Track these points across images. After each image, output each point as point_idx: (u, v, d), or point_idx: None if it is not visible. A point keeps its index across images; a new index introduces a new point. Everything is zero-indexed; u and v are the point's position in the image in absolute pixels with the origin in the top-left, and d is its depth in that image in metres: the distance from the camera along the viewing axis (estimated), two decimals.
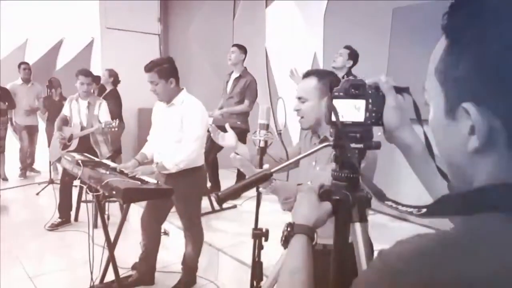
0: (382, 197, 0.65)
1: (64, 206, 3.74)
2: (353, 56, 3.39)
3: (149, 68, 2.33)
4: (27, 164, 5.73)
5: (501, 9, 0.42)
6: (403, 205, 0.57)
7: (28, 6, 6.22)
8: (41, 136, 5.76)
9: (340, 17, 4.28)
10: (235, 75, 4.17)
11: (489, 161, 0.44)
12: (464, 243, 0.41)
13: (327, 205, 0.76)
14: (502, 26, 0.42)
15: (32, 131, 5.69)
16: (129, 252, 2.94)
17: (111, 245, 2.37)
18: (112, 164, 2.55)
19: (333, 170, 0.82)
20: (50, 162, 4.90)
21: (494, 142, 0.42)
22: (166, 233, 3.32)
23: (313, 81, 1.50)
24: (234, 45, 4.17)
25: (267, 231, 1.60)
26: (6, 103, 5.23)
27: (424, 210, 0.52)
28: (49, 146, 5.07)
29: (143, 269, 2.70)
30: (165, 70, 2.32)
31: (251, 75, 4.16)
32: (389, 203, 0.61)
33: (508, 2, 0.43)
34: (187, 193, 2.46)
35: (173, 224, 3.34)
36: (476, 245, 0.40)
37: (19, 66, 5.43)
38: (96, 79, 3.89)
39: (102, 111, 3.70)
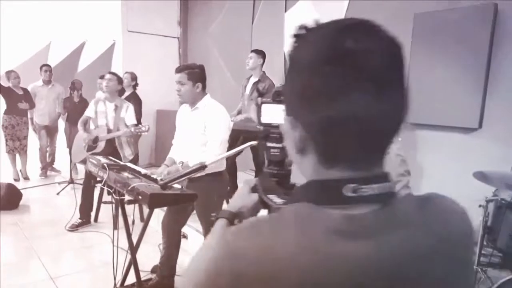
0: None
1: (85, 207, 3.80)
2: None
3: (180, 69, 2.44)
4: (47, 164, 5.84)
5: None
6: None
7: (51, 9, 6.37)
8: (60, 136, 5.88)
9: None
10: (253, 79, 4.18)
11: (309, 162, 0.55)
12: (272, 224, 0.52)
13: (254, 196, 0.82)
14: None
15: (51, 131, 5.80)
16: (149, 255, 2.97)
17: (133, 249, 2.40)
18: (138, 168, 2.58)
19: (264, 167, 0.90)
20: (70, 162, 4.99)
21: (306, 148, 0.53)
22: (184, 236, 3.34)
23: None
24: (252, 51, 4.19)
25: None
26: (27, 104, 5.36)
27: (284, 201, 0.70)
28: (68, 146, 5.17)
29: (163, 272, 2.72)
30: (195, 74, 2.42)
31: (270, 79, 4.16)
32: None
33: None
34: (209, 197, 2.48)
35: (191, 228, 3.35)
36: (279, 226, 0.50)
37: (40, 68, 5.56)
38: (120, 80, 3.95)
39: (129, 114, 3.75)
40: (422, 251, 0.50)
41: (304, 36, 0.54)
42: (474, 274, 0.50)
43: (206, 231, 2.67)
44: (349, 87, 0.47)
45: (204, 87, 2.47)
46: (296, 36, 0.54)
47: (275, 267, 0.47)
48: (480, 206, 2.53)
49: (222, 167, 2.56)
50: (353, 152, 0.51)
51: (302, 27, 0.54)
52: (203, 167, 1.08)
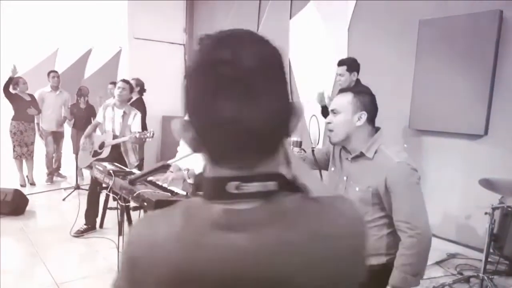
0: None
1: (91, 213, 3.82)
2: (353, 67, 3.30)
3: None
4: (53, 169, 5.89)
5: None
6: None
7: (59, 16, 6.46)
8: (67, 142, 5.93)
9: (364, 29, 4.26)
10: None
11: (205, 161, 0.60)
12: (164, 215, 0.60)
13: None
14: None
15: (58, 136, 5.85)
16: None
17: None
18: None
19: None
20: (76, 168, 5.02)
21: (199, 148, 0.59)
22: None
23: (349, 96, 1.51)
24: None
25: None
26: (34, 109, 5.42)
27: None
28: (74, 152, 5.21)
29: None
30: None
31: None
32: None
33: None
34: None
35: None
36: (169, 218, 0.58)
37: (48, 74, 5.62)
38: (132, 88, 4.00)
39: (136, 122, 3.79)
40: (293, 247, 0.54)
41: (198, 44, 0.57)
42: (361, 277, 0.50)
43: None
44: (222, 92, 0.52)
45: None
46: (197, 43, 0.57)
47: (160, 255, 0.55)
48: (486, 213, 2.52)
49: None
50: (233, 153, 0.55)
51: (202, 35, 0.57)
52: (165, 166, 1.19)
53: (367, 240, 0.61)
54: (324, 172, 1.70)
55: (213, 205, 0.55)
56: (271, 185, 0.56)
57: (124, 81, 3.88)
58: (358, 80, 3.34)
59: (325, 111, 3.40)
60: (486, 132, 3.32)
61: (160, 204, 1.97)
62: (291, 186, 0.59)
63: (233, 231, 0.53)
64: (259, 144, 0.55)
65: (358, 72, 3.34)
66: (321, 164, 1.72)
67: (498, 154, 3.27)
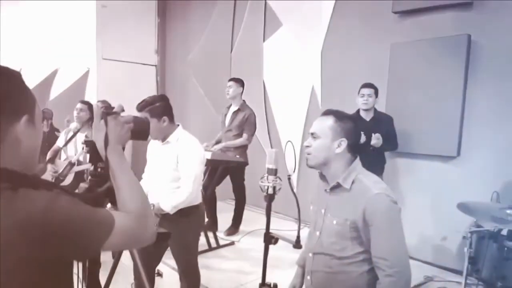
0: None
1: None
2: (377, 93, 3.41)
3: (141, 107, 2.26)
4: None
5: None
6: None
7: (22, 34, 6.20)
8: None
9: (338, 51, 4.31)
10: (233, 108, 4.12)
11: None
12: None
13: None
14: None
15: None
16: None
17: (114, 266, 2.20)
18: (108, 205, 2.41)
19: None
20: None
21: None
22: (159, 274, 3.14)
23: (330, 121, 1.44)
24: (230, 80, 4.14)
25: (275, 286, 1.47)
26: None
27: None
28: None
29: None
30: (157, 109, 2.24)
31: (250, 109, 4.11)
32: None
33: None
34: (183, 233, 2.32)
35: (167, 265, 3.16)
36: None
37: None
38: (90, 108, 3.81)
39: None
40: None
41: None
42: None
43: (183, 270, 2.49)
44: None
45: (171, 119, 2.30)
46: None
47: None
48: (464, 237, 2.49)
49: (198, 200, 2.42)
50: None
51: None
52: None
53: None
54: (302, 203, 1.60)
55: None
56: None
57: (83, 102, 3.70)
58: (375, 108, 3.41)
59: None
60: (458, 153, 3.36)
61: None
62: (14, 178, 0.72)
63: None
64: None
65: (377, 99, 3.41)
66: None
67: (471, 175, 3.30)
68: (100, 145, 0.97)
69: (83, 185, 1.16)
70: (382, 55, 3.78)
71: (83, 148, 1.14)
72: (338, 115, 1.46)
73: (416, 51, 3.54)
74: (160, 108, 2.25)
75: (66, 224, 0.73)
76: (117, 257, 2.51)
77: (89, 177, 1.06)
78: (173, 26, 6.67)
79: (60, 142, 3.74)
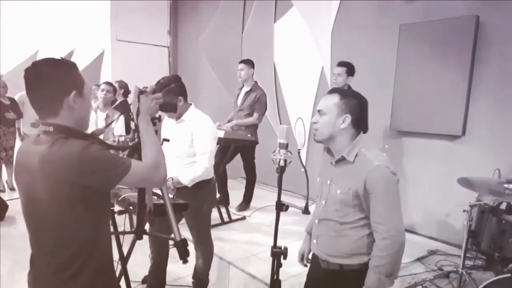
0: None
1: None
2: (351, 71, 3.43)
3: (156, 90, 2.37)
4: None
5: None
6: None
7: (39, 17, 6.33)
8: None
9: (347, 32, 4.35)
10: (245, 89, 4.23)
11: None
12: None
13: None
14: None
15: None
16: (139, 265, 2.95)
17: (124, 259, 2.38)
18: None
19: None
20: None
21: None
22: (175, 246, 3.33)
23: (335, 98, 1.54)
24: (241, 62, 4.21)
25: (285, 249, 1.63)
26: (14, 113, 5.29)
27: None
28: None
29: (153, 282, 2.70)
30: (173, 90, 2.33)
31: (261, 89, 4.21)
32: None
33: None
34: (197, 206, 2.48)
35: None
36: None
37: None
38: (114, 89, 3.96)
39: (119, 124, 3.75)
40: (35, 158, 1.13)
41: None
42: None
43: (197, 240, 2.67)
44: None
45: (185, 98, 2.41)
46: None
47: None
48: (464, 211, 2.61)
49: (210, 174, 2.57)
50: (35, 110, 1.21)
51: None
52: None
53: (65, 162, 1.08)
54: (311, 176, 1.73)
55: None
56: (49, 128, 1.13)
57: (108, 83, 3.85)
58: (349, 86, 3.44)
59: None
60: (464, 133, 3.44)
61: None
62: (66, 131, 1.13)
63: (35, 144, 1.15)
64: (40, 112, 1.17)
65: (352, 78, 3.44)
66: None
67: (475, 153, 3.39)
68: (134, 116, 1.37)
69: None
70: (391, 36, 3.82)
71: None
72: (343, 93, 1.56)
73: (424, 32, 3.58)
74: (175, 88, 2.35)
75: (94, 161, 1.09)
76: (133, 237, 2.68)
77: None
78: (185, 7, 6.72)
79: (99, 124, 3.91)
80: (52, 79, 1.14)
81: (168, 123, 2.59)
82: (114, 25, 6.02)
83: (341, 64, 3.43)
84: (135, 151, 1.50)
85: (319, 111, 1.57)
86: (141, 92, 1.40)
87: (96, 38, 6.16)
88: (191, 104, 2.47)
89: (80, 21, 6.14)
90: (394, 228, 1.43)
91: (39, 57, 6.48)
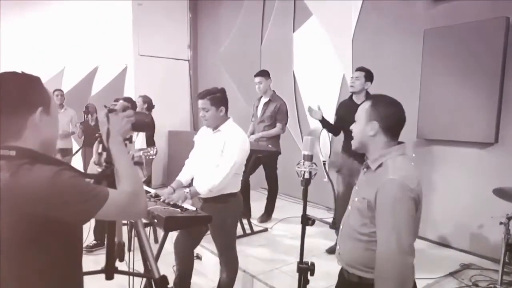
0: None
1: (100, 229, 3.80)
2: (370, 77, 3.35)
3: (202, 95, 2.44)
4: None
5: None
6: None
7: (65, 35, 6.58)
8: (77, 159, 5.95)
9: (369, 39, 4.28)
10: (264, 99, 4.21)
11: None
12: None
13: None
14: None
15: (66, 153, 5.89)
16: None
17: (148, 271, 2.37)
18: (148, 189, 2.59)
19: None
20: None
21: None
22: (198, 257, 3.31)
23: (366, 105, 1.50)
24: (257, 75, 4.19)
25: (312, 265, 1.57)
26: None
27: None
28: (84, 169, 5.22)
29: None
30: (217, 99, 2.43)
31: (280, 99, 4.19)
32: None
33: None
34: (222, 219, 2.46)
35: (205, 248, 3.33)
36: None
37: (53, 92, 5.68)
38: (134, 105, 4.01)
39: (140, 138, 3.79)
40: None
41: None
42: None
43: (221, 253, 2.64)
44: None
45: (226, 111, 2.49)
46: None
47: None
48: (501, 223, 2.47)
49: (237, 188, 2.55)
50: None
51: None
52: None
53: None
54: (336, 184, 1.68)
55: None
56: (11, 152, 0.95)
57: (126, 99, 3.89)
58: (367, 92, 3.36)
59: (325, 124, 3.40)
60: (496, 140, 3.29)
61: (171, 221, 1.96)
62: (29, 155, 0.96)
63: None
64: (1, 133, 0.97)
65: (371, 84, 3.36)
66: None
67: (509, 161, 3.23)
68: (104, 137, 1.18)
69: (95, 168, 1.45)
70: (415, 42, 3.73)
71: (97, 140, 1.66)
72: (376, 99, 1.51)
73: (450, 36, 3.47)
74: (219, 98, 2.45)
75: (66, 191, 0.95)
76: (160, 243, 2.69)
77: (104, 163, 1.31)
78: (205, 20, 6.82)
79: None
80: (13, 95, 0.99)
81: (204, 132, 2.63)
82: (137, 41, 6.17)
83: (359, 68, 3.38)
84: (104, 177, 1.35)
85: (355, 118, 1.54)
86: (110, 110, 1.22)
87: (119, 54, 6.33)
88: (229, 117, 2.52)
89: (103, 38, 6.33)
90: (394, 252, 1.31)
91: (66, 74, 6.75)
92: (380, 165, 1.43)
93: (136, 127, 1.29)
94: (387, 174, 1.37)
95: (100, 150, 1.27)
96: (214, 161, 2.44)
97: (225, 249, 2.62)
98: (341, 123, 3.33)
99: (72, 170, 1.02)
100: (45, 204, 0.93)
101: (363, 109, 1.49)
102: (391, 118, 1.46)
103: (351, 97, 3.42)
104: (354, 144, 1.52)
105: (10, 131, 0.99)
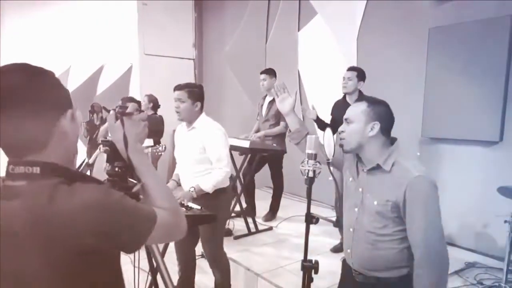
0: None
1: None
2: (362, 76, 3.34)
3: (180, 87, 2.47)
4: None
5: None
6: None
7: (71, 34, 6.62)
8: (81, 157, 6.00)
9: (374, 38, 4.27)
10: (269, 98, 4.22)
11: None
12: None
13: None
14: None
15: None
16: (170, 275, 2.96)
17: (154, 270, 2.40)
18: None
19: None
20: None
21: None
22: (203, 256, 3.33)
23: (362, 106, 1.50)
24: (262, 72, 4.21)
25: (316, 263, 1.58)
26: None
27: None
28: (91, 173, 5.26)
29: None
30: (195, 93, 2.45)
31: None
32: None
33: None
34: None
35: None
36: None
37: None
38: (138, 104, 4.04)
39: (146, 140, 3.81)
40: (19, 220, 0.74)
41: None
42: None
43: (210, 252, 2.60)
44: None
45: (202, 107, 2.50)
46: None
47: None
48: (506, 221, 2.47)
49: (226, 183, 2.56)
50: (6, 148, 0.80)
51: None
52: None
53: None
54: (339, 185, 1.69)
55: (2, 181, 0.79)
56: (34, 169, 0.77)
57: (128, 98, 3.92)
58: (360, 92, 3.36)
59: (319, 124, 3.42)
60: (501, 139, 3.28)
61: None
62: (57, 172, 0.78)
63: (5, 199, 0.76)
64: (20, 144, 0.78)
65: (363, 83, 3.35)
66: (338, 166, 1.71)
67: None
68: (120, 146, 0.95)
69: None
70: (420, 41, 3.72)
71: (99, 149, 1.18)
72: (371, 100, 1.52)
73: (455, 34, 3.46)
74: (196, 93, 2.47)
75: (121, 216, 0.77)
76: (164, 245, 2.70)
77: (107, 177, 1.03)
78: (210, 19, 6.84)
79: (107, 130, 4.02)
80: (43, 92, 0.79)
81: (179, 132, 2.65)
82: (142, 40, 6.20)
83: (351, 68, 3.38)
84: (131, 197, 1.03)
85: (346, 119, 1.53)
86: (123, 113, 0.99)
87: (124, 53, 6.36)
88: (203, 112, 2.52)
89: (109, 37, 6.37)
90: (435, 242, 1.36)
91: (72, 73, 6.80)
92: (392, 164, 1.44)
93: (152, 133, 1.07)
94: (411, 172, 1.39)
95: (107, 167, 1.01)
96: (194, 159, 2.46)
97: (215, 247, 2.59)
98: (336, 123, 3.35)
99: (112, 187, 0.88)
100: (97, 234, 0.74)
101: (360, 110, 1.49)
102: (389, 118, 1.49)
103: (344, 97, 3.43)
104: (350, 145, 1.52)
105: (31, 141, 0.77)
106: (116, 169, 1.00)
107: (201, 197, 2.42)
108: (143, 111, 1.02)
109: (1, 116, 0.74)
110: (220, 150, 2.44)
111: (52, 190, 0.74)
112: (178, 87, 2.47)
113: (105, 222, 0.75)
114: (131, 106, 1.01)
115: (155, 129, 1.11)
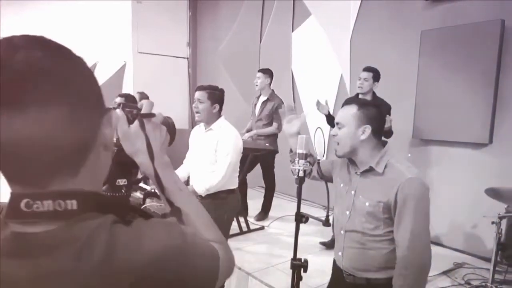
0: None
1: None
2: (378, 77, 3.34)
3: (202, 88, 2.50)
4: None
5: None
6: None
7: (64, 31, 6.56)
8: None
9: (367, 39, 4.31)
10: (262, 98, 4.23)
11: None
12: None
13: None
14: None
15: None
16: None
17: None
18: (145, 186, 2.62)
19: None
20: None
21: None
22: None
23: (353, 109, 1.50)
24: (259, 71, 4.25)
25: (305, 261, 1.59)
26: None
27: None
28: None
29: None
30: (215, 95, 2.49)
31: (279, 98, 4.21)
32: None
33: None
34: (219, 215, 2.48)
35: None
36: None
37: None
38: (134, 101, 4.01)
39: None
40: (72, 277, 0.48)
41: None
42: None
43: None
44: None
45: (220, 110, 2.53)
46: None
47: None
48: (493, 222, 2.51)
49: (234, 184, 2.57)
50: (14, 170, 0.49)
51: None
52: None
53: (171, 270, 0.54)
54: (331, 186, 1.71)
55: (8, 225, 0.50)
56: (69, 204, 0.49)
57: (123, 96, 3.88)
58: (374, 93, 3.37)
59: (330, 120, 3.42)
60: (490, 141, 3.32)
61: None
62: (100, 206, 0.53)
63: (19, 257, 0.48)
64: (44, 160, 0.48)
65: (378, 84, 3.36)
66: (326, 176, 1.73)
67: (503, 162, 3.27)
68: (141, 160, 0.69)
69: None
70: (412, 42, 3.75)
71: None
72: (361, 103, 1.52)
73: (447, 37, 3.50)
74: (217, 95, 2.51)
75: (198, 258, 0.59)
76: None
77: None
78: (204, 18, 6.83)
79: None
80: (84, 87, 0.54)
81: (197, 133, 2.65)
82: (136, 38, 6.18)
83: (367, 69, 3.36)
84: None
85: (337, 123, 1.54)
86: (143, 114, 0.71)
87: (118, 50, 6.33)
88: (222, 116, 2.54)
89: (102, 35, 6.33)
90: (420, 245, 1.38)
91: None
92: (385, 166, 1.46)
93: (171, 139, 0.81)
94: (403, 174, 1.41)
95: (105, 187, 0.73)
96: (208, 160, 2.47)
97: None
98: None
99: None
100: (173, 281, 0.55)
101: (350, 114, 1.50)
102: (379, 120, 1.50)
103: (357, 95, 3.41)
104: (343, 149, 1.52)
105: (64, 159, 0.50)
106: (121, 189, 0.75)
107: (209, 196, 2.43)
108: (154, 114, 0.73)
109: (18, 120, 0.46)
110: (228, 154, 2.43)
111: (109, 236, 0.50)
112: (199, 88, 2.51)
113: (183, 270, 0.56)
114: (146, 105, 0.72)
115: (171, 132, 0.82)
